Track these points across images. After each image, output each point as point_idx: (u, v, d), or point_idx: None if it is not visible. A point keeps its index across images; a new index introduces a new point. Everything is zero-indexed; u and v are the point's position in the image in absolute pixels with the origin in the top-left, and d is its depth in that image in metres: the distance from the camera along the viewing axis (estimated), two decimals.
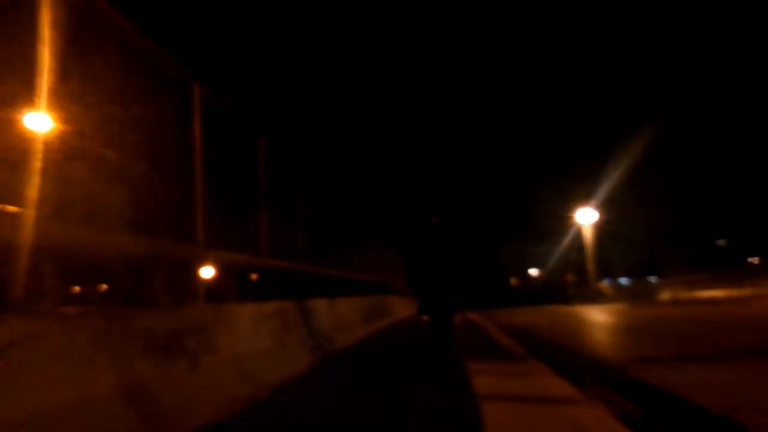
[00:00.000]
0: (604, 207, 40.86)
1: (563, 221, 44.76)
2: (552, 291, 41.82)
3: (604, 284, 40.94)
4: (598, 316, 16.09)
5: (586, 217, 39.89)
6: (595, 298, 37.72)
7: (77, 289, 4.57)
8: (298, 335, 5.21)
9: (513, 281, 71.21)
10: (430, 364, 5.43)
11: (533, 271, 70.51)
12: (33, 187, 2.61)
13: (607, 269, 43.20)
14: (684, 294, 26.78)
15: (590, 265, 38.33)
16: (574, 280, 40.67)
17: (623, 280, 42.65)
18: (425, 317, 7.62)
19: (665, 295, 29.45)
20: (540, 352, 6.15)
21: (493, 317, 17.07)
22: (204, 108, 4.76)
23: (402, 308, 17.72)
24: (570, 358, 5.79)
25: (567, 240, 44.69)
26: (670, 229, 39.13)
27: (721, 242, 43.18)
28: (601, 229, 40.93)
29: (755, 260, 36.73)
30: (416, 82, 70.82)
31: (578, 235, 41.96)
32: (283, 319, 4.89)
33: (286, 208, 7.85)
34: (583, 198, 40.21)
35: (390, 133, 65.36)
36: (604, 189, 40.31)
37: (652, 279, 40.10)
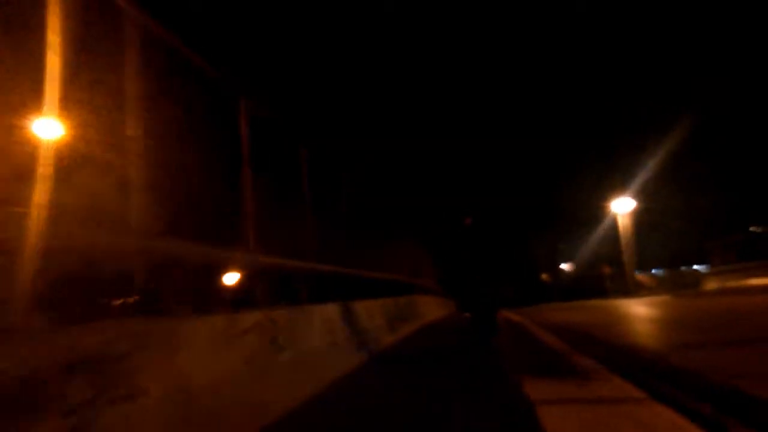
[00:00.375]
0: (641, 195, 38.98)
1: (597, 212, 42.95)
2: (588, 285, 40.04)
3: (643, 276, 38.98)
4: (645, 311, 14.56)
5: (622, 206, 38.06)
6: (633, 290, 35.88)
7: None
8: (289, 357, 3.98)
9: (544, 277, 69.37)
10: (471, 395, 3.96)
11: (565, 266, 68.56)
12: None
13: (644, 260, 41.22)
14: (731, 283, 24.94)
15: (627, 257, 36.48)
16: (610, 273, 38.78)
17: (661, 271, 40.53)
18: (467, 314, 7.81)
19: (711, 285, 27.61)
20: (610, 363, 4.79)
21: (533, 316, 15.68)
22: (250, 117, 5.03)
23: (432, 309, 16.42)
24: (641, 363, 4.50)
25: (602, 231, 42.90)
26: (710, 216, 37.00)
27: (757, 229, 40.86)
28: (637, 218, 39.05)
29: None
30: (440, 73, 69.35)
31: (613, 226, 40.12)
32: (269, 335, 3.64)
33: (325, 211, 7.93)
34: (619, 187, 38.39)
35: (417, 127, 64.04)
36: (641, 177, 38.42)
37: (693, 268, 38.11)
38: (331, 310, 5.63)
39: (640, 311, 14.58)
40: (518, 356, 6.08)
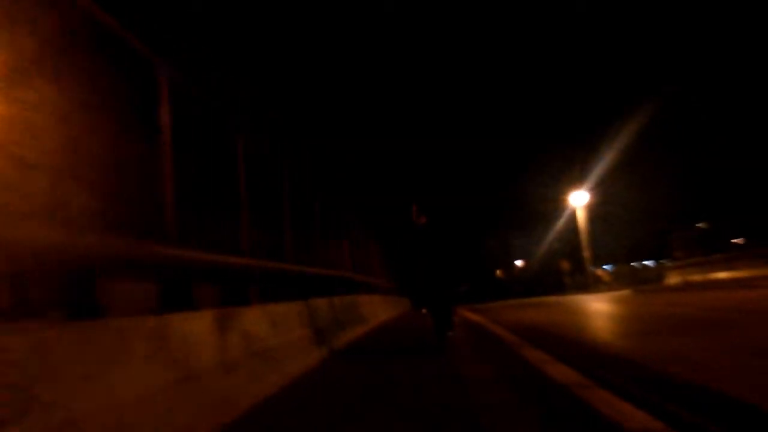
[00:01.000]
0: (598, 189, 38.08)
1: (553, 206, 41.96)
2: (546, 281, 38.99)
3: (601, 271, 38.08)
4: (614, 309, 12.99)
5: (579, 200, 37.01)
6: (592, 286, 34.89)
7: None
8: None
9: (498, 273, 68.73)
10: None
11: (519, 262, 68.05)
12: None
13: (603, 255, 40.41)
14: (695, 277, 24.07)
15: (585, 251, 35.44)
16: (568, 268, 37.73)
17: (620, 266, 39.72)
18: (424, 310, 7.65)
19: (673, 279, 26.74)
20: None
21: (493, 315, 13.94)
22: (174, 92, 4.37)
23: (384, 309, 14.44)
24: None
25: (560, 226, 41.95)
26: (671, 209, 36.37)
27: (702, 225, 40.59)
28: (595, 212, 38.14)
29: (740, 241, 33.92)
30: (391, 68, 67.58)
31: (571, 220, 39.15)
32: None
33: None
34: (575, 180, 37.37)
35: (367, 123, 61.92)
36: (598, 170, 37.50)
37: (654, 263, 37.49)
38: (196, 327, 3.47)
39: (595, 307, 13.00)
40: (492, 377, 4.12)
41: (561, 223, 41.87)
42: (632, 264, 37.97)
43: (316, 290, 8.72)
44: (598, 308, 14.41)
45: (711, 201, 33.92)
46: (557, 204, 40.20)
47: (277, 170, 8.04)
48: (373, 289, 16.13)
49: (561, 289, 37.17)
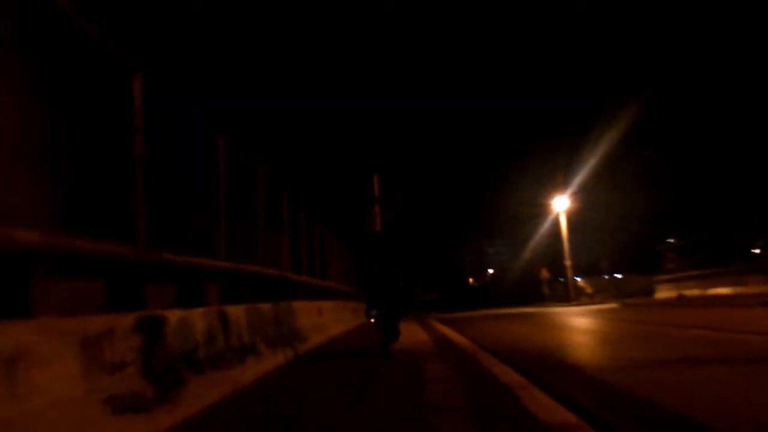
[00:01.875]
0: (580, 194, 35.86)
1: (533, 212, 39.68)
2: (524, 290, 36.64)
3: (584, 281, 35.83)
4: (610, 328, 10.45)
5: (561, 205, 34.74)
6: (573, 297, 32.56)
7: None
8: None
9: (471, 281, 66.39)
10: None
11: (491, 271, 65.89)
12: None
13: (584, 264, 38.19)
14: (692, 291, 21.83)
15: (567, 260, 33.14)
16: (548, 278, 35.36)
17: (604, 277, 37.48)
18: (372, 320, 7.27)
19: (665, 293, 24.51)
20: None
21: (471, 329, 11.30)
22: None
23: (334, 320, 11.67)
24: None
25: (539, 233, 39.65)
26: (663, 219, 34.29)
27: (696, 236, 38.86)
28: (577, 219, 35.90)
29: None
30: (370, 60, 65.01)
31: (553, 228, 36.86)
32: None
33: None
34: (556, 185, 35.09)
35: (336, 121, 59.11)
36: (584, 174, 35.25)
37: (643, 275, 35.32)
38: None
39: (590, 326, 10.40)
40: None
41: (541, 229, 39.59)
42: (617, 275, 35.78)
43: (228, 293, 6.03)
44: (588, 326, 11.87)
45: (705, 209, 32.01)
46: (537, 209, 37.92)
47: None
48: (330, 294, 13.32)
49: (540, 299, 34.78)
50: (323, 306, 10.43)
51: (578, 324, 12.77)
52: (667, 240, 29.54)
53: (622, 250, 38.32)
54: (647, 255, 34.96)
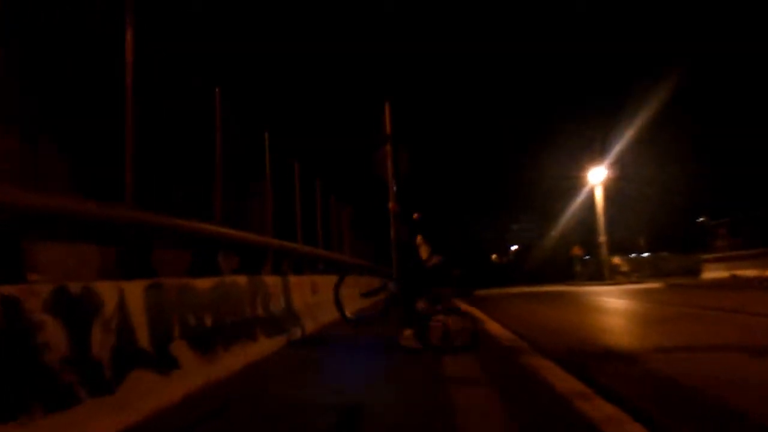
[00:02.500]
0: (618, 166, 33.31)
1: (566, 185, 37.29)
2: (554, 268, 34.58)
3: (619, 259, 33.56)
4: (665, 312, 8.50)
5: (596, 178, 32.31)
6: (607, 275, 30.38)
7: None
8: None
9: (494, 257, 64.18)
10: None
11: (514, 247, 63.63)
12: None
13: (619, 242, 35.85)
14: (747, 272, 19.58)
15: (602, 236, 30.89)
16: (580, 255, 33.16)
17: (644, 255, 35.05)
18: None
19: (712, 273, 22.29)
20: None
21: (497, 311, 9.52)
22: None
23: (327, 302, 10.00)
24: None
25: (571, 209, 37.30)
26: (710, 192, 31.66)
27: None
28: (613, 193, 33.44)
29: None
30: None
31: (585, 202, 34.52)
32: None
33: None
34: (593, 155, 32.62)
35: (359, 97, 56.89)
36: (619, 144, 32.67)
37: (689, 253, 32.88)
38: None
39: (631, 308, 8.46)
40: None
41: (574, 204, 37.21)
42: (658, 253, 33.39)
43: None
44: (629, 308, 9.95)
45: (755, 182, 29.32)
46: (570, 182, 35.52)
47: None
48: (334, 266, 11.60)
49: (570, 277, 32.68)
50: (319, 281, 8.69)
51: (624, 308, 10.83)
52: (711, 215, 27.01)
53: (661, 227, 35.89)
54: (691, 232, 32.47)
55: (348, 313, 6.64)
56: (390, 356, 4.93)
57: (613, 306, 11.57)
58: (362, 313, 7.35)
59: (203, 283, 4.17)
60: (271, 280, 5.86)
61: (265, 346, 4.96)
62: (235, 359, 4.18)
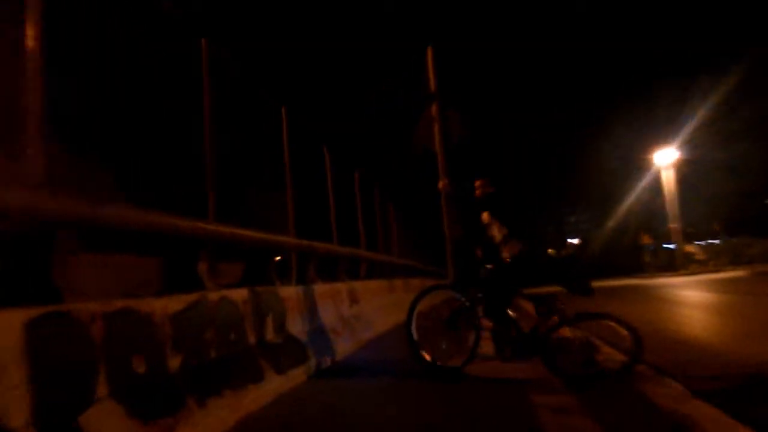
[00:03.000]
0: (688, 147, 30.48)
1: (629, 170, 34.62)
2: (620, 259, 32.03)
3: (693, 246, 30.79)
4: None
5: (664, 160, 29.63)
6: (681, 265, 27.75)
7: None
8: None
9: (550, 251, 61.13)
10: None
11: (574, 240, 60.49)
12: None
13: (695, 228, 33.00)
14: None
15: (673, 222, 28.28)
16: (650, 243, 30.55)
17: (717, 241, 32.01)
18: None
19: None
20: None
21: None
22: None
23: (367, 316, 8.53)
24: None
25: (635, 195, 34.58)
26: None
27: None
28: (684, 176, 30.64)
29: None
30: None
31: (652, 188, 31.84)
32: None
33: None
34: (661, 135, 29.96)
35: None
36: (689, 124, 29.83)
37: (749, 238, 29.88)
38: None
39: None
40: None
41: (638, 189, 34.49)
42: (737, 238, 30.44)
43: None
44: (724, 302, 8.07)
45: None
46: (634, 165, 32.86)
47: None
48: (378, 269, 10.15)
49: (639, 269, 30.13)
50: (361, 289, 7.24)
51: (719, 303, 8.95)
52: None
53: (737, 210, 32.74)
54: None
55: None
56: (474, 390, 3.44)
57: (705, 301, 9.69)
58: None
59: (165, 305, 2.77)
60: (288, 292, 4.44)
61: (273, 384, 3.54)
62: (216, 417, 2.76)
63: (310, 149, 7.18)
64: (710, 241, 32.74)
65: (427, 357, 4.11)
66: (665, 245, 31.03)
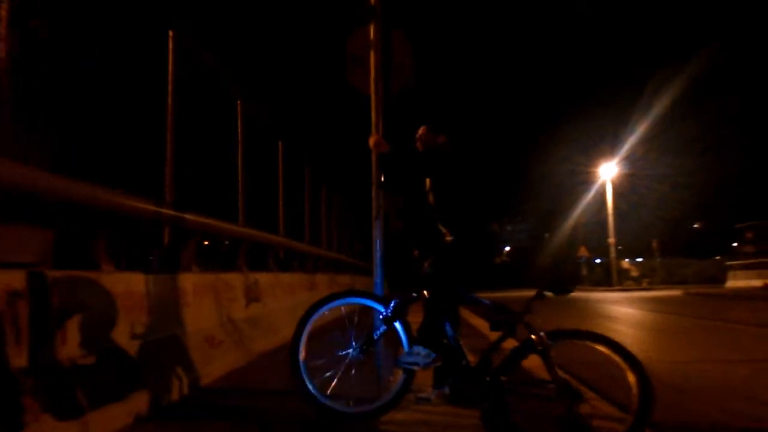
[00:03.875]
0: (628, 162, 30.39)
1: (570, 183, 34.40)
2: (555, 271, 31.78)
3: (628, 263, 30.80)
4: None
5: (607, 173, 29.44)
6: (616, 281, 27.58)
7: None
8: None
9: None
10: None
11: (506, 248, 60.61)
12: None
13: (633, 245, 33.15)
14: None
15: (611, 237, 28.06)
16: (587, 257, 30.33)
17: (657, 260, 32.12)
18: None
19: (740, 282, 19.50)
20: None
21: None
22: None
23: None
24: None
25: (576, 208, 34.38)
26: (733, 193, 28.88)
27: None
28: (624, 192, 30.57)
29: None
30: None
31: (595, 200, 31.64)
32: None
33: None
34: (607, 149, 29.73)
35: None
36: (635, 137, 29.71)
37: (686, 259, 30.18)
38: None
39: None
40: None
41: (579, 203, 34.32)
42: (672, 258, 30.56)
43: None
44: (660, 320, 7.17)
45: None
46: (577, 178, 32.60)
47: None
48: (300, 261, 8.68)
49: (575, 282, 29.87)
50: (266, 282, 5.76)
51: (655, 321, 8.02)
52: (735, 218, 23.99)
53: (676, 229, 33.11)
54: (712, 236, 29.73)
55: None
56: None
57: (639, 317, 8.82)
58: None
59: None
60: (124, 282, 2.89)
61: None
62: None
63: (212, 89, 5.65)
64: (640, 259, 32.85)
65: (325, 397, 2.69)
66: (599, 260, 30.96)
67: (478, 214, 2.99)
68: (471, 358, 2.73)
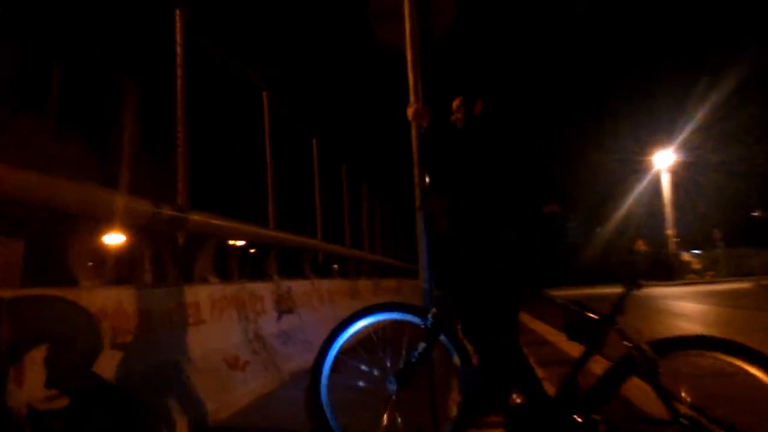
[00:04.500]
0: (686, 149, 28.69)
1: (622, 174, 32.77)
2: (612, 267, 30.36)
3: (689, 255, 29.09)
4: None
5: (662, 162, 27.89)
6: (677, 274, 26.00)
7: None
8: None
9: None
10: None
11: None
12: None
13: (693, 236, 31.36)
14: None
15: (670, 229, 26.53)
16: (645, 251, 28.73)
17: (718, 251, 30.26)
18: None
19: None
20: None
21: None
22: None
23: None
24: None
25: (631, 199, 32.74)
26: None
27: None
28: (682, 181, 28.88)
29: None
30: None
31: (650, 191, 30.05)
32: None
33: None
34: (660, 137, 28.17)
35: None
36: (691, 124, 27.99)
37: (751, 249, 28.24)
38: None
39: None
40: None
41: (633, 194, 32.66)
42: (736, 248, 28.73)
43: None
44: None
45: None
46: (629, 168, 31.02)
47: None
48: (342, 265, 8.11)
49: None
50: (299, 291, 5.18)
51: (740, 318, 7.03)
52: None
53: (739, 219, 31.11)
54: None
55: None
56: None
57: (714, 314, 7.88)
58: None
59: None
60: (104, 299, 2.32)
61: None
62: None
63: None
64: (697, 251, 31.03)
65: None
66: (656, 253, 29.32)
67: (532, 190, 2.37)
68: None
